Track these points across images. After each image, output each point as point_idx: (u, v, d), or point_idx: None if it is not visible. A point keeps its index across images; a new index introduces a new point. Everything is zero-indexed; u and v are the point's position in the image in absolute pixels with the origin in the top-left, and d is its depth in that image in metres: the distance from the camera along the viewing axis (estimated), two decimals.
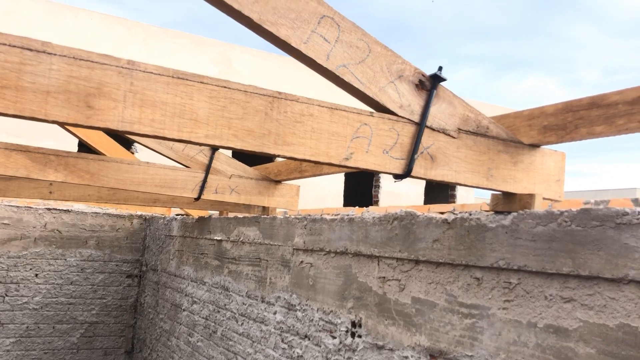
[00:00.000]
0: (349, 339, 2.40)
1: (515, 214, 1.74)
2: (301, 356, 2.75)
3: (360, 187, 13.50)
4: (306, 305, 2.76)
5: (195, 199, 3.23)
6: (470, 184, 1.73)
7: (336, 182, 11.00)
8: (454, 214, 1.99)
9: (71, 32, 8.52)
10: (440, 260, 1.99)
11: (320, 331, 2.62)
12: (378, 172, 1.54)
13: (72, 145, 8.11)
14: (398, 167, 1.62)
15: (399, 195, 12.26)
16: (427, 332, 2.01)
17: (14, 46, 1.15)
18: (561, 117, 1.70)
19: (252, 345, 3.29)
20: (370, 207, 4.53)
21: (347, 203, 12.69)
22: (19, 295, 5.20)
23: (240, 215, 4.03)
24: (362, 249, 2.40)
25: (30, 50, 1.17)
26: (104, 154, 3.63)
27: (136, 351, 5.60)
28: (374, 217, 2.36)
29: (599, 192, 25.65)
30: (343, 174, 10.82)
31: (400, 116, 1.63)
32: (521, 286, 1.69)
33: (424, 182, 11.89)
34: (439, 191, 12.71)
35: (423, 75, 1.66)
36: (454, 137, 1.71)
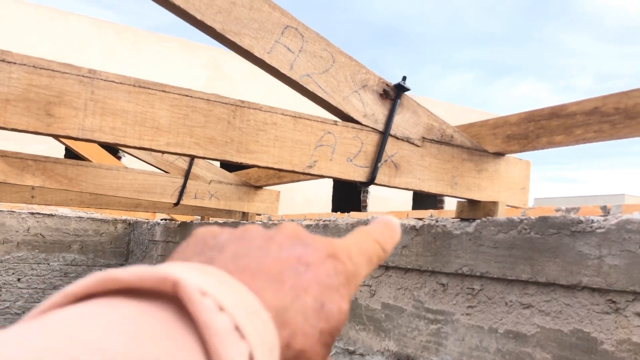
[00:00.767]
0: None
1: (478, 221, 1.78)
2: None
3: (350, 192, 13.54)
4: None
5: (174, 204, 3.25)
6: (435, 192, 1.76)
7: (325, 187, 11.03)
8: (422, 220, 2.02)
9: (61, 36, 8.52)
10: (409, 267, 2.02)
11: None
12: (342, 180, 1.57)
13: (61, 150, 8.11)
14: (362, 175, 1.65)
15: (388, 201, 12.31)
16: (395, 337, 2.04)
17: None
18: (523, 127, 1.74)
19: None
20: (352, 212, 4.56)
21: (335, 208, 12.72)
22: (0, 300, 5.18)
23: (220, 220, 4.05)
24: None
25: None
26: (89, 159, 3.64)
27: None
28: (347, 224, 2.39)
29: (588, 198, 25.83)
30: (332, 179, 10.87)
31: (364, 125, 1.66)
32: (483, 292, 1.72)
33: None
34: (426, 197, 12.78)
35: (387, 84, 1.69)
36: (418, 146, 1.74)
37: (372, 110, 1.67)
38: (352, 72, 1.63)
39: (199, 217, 4.96)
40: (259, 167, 1.53)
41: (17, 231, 5.30)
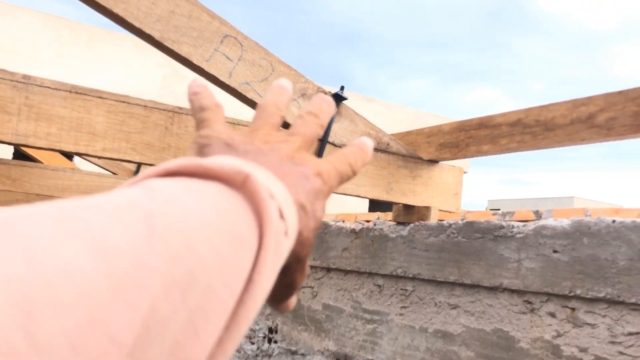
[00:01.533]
0: (266, 345, 2.47)
1: (412, 225, 1.85)
2: None
3: None
4: None
5: None
6: (371, 197, 1.83)
7: None
8: (361, 224, 2.09)
9: (11, 33, 8.29)
10: (348, 268, 2.09)
11: None
12: None
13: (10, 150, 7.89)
14: None
15: (345, 202, 12.43)
16: (334, 337, 2.10)
17: None
18: (455, 136, 1.83)
19: None
20: None
21: None
22: None
23: None
24: None
25: None
26: (39, 161, 3.58)
27: None
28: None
29: (539, 201, 26.63)
30: None
31: None
32: (415, 293, 1.80)
33: None
34: None
35: (325, 94, 1.75)
36: None
37: None
38: (291, 81, 1.68)
39: None
40: None
41: None
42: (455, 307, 1.66)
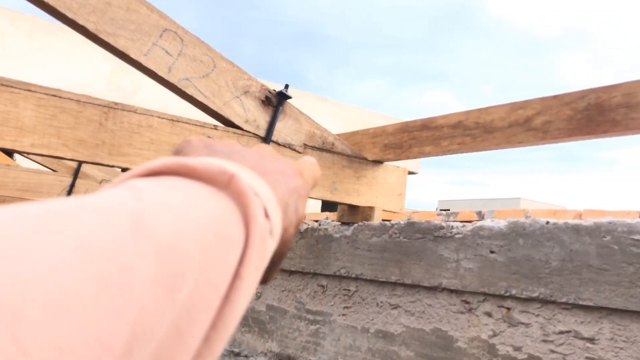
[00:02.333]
0: None
1: (356, 225, 1.85)
2: None
3: None
4: None
5: None
6: (315, 197, 1.82)
7: None
8: (306, 223, 2.08)
9: None
10: (293, 269, 2.07)
11: None
12: None
13: None
14: None
15: None
16: (278, 338, 2.08)
17: None
18: (399, 137, 1.83)
19: None
20: None
21: None
22: None
23: None
24: None
25: None
26: None
27: None
28: None
29: (487, 201, 27.33)
30: None
31: (245, 130, 1.68)
32: (358, 293, 1.80)
33: None
34: None
35: (270, 92, 1.73)
36: (300, 152, 1.79)
37: (253, 116, 1.70)
38: (233, 78, 1.65)
39: None
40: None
41: None
42: (396, 307, 1.67)
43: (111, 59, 9.01)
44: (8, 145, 1.29)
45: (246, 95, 1.68)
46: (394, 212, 2.02)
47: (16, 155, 7.75)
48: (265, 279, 0.44)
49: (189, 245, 0.27)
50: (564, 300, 1.27)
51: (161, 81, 1.53)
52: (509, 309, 1.39)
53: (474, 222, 1.52)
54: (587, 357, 1.23)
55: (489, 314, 1.43)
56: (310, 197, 1.81)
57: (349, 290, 1.83)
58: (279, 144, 1.74)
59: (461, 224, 1.55)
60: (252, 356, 2.18)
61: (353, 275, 1.81)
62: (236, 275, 0.31)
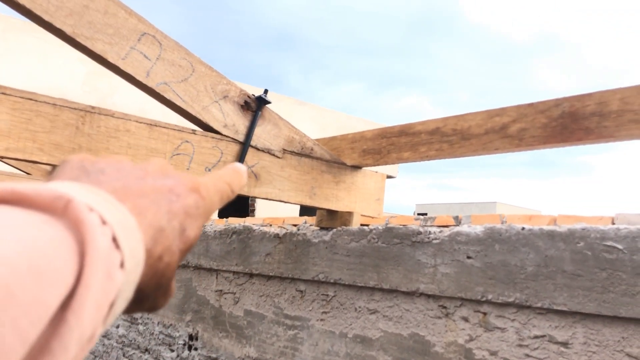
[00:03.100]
0: (186, 352, 2.41)
1: (335, 230, 1.86)
2: None
3: (237, 197, 13.44)
4: (147, 318, 2.73)
5: None
6: (294, 202, 1.82)
7: None
8: (285, 228, 2.08)
9: None
10: (271, 274, 2.06)
11: (160, 345, 2.59)
12: None
13: None
14: None
15: (277, 206, 12.38)
16: (256, 343, 2.08)
17: None
18: (377, 142, 1.85)
19: None
20: (230, 217, 4.54)
21: (222, 213, 12.57)
22: None
23: None
24: (202, 262, 2.42)
25: None
26: None
27: None
28: (215, 231, 2.39)
29: (464, 205, 27.61)
30: None
31: (224, 135, 1.68)
32: (336, 298, 1.80)
33: None
34: None
35: (249, 96, 1.73)
36: (279, 157, 1.79)
37: (232, 121, 1.69)
38: (212, 83, 1.65)
39: None
40: None
41: None
42: (374, 312, 1.68)
43: (86, 61, 8.89)
44: None
45: (225, 100, 1.67)
46: (372, 217, 2.03)
47: None
48: (150, 308, 0.40)
49: None
50: (539, 305, 1.29)
51: (139, 85, 1.52)
52: (485, 313, 1.41)
53: (451, 227, 1.54)
54: None
55: (465, 319, 1.44)
56: (289, 202, 1.81)
57: (327, 295, 1.84)
58: (257, 149, 1.74)
59: (438, 230, 1.56)
60: None
61: (331, 280, 1.81)
62: (61, 319, 0.27)
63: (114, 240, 0.31)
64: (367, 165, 1.90)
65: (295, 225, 2.19)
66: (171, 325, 2.54)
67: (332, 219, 1.96)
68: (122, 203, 0.34)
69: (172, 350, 2.49)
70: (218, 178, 0.45)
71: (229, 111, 1.68)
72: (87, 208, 0.30)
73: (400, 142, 1.77)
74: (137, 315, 2.81)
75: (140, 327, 2.76)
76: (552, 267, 1.28)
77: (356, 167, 1.97)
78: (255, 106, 1.73)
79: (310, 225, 2.05)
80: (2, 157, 1.33)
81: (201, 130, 1.65)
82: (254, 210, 12.15)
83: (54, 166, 2.96)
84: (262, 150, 1.75)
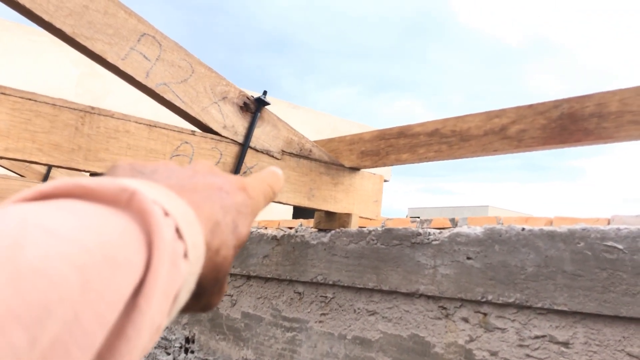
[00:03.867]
0: (182, 355, 2.39)
1: (333, 231, 1.86)
2: None
3: None
4: None
5: None
6: (292, 203, 1.82)
7: None
8: (283, 230, 2.07)
9: None
10: (269, 276, 2.06)
11: (155, 348, 2.58)
12: None
13: None
14: None
15: (272, 208, 12.36)
16: (253, 346, 2.07)
17: None
18: (375, 144, 1.85)
19: None
20: None
21: None
22: None
23: None
24: None
25: None
26: None
27: None
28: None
29: (456, 209, 27.70)
30: None
31: (223, 136, 1.67)
32: (335, 300, 1.80)
33: None
34: None
35: (248, 98, 1.73)
36: (278, 159, 1.79)
37: (232, 122, 1.69)
38: (212, 84, 1.64)
39: None
40: None
41: None
42: (373, 313, 1.68)
43: (79, 63, 8.87)
44: None
45: (224, 101, 1.67)
46: (370, 219, 2.03)
47: None
48: (204, 306, 0.40)
49: (64, 271, 0.24)
50: (539, 305, 1.29)
51: (139, 86, 1.52)
52: (485, 314, 1.41)
53: (450, 228, 1.54)
54: None
55: (465, 320, 1.45)
56: (287, 204, 1.81)
57: (326, 297, 1.84)
58: (257, 150, 1.74)
59: (438, 231, 1.57)
60: None
61: (330, 282, 1.81)
62: (134, 305, 0.28)
63: (177, 231, 0.32)
64: (365, 167, 1.91)
65: (291, 228, 2.19)
66: (167, 328, 2.53)
67: (330, 220, 1.96)
68: (180, 197, 0.35)
69: (169, 354, 2.48)
70: (261, 180, 0.46)
71: (228, 112, 1.68)
72: (152, 200, 0.31)
73: (398, 144, 1.77)
74: None
75: None
76: (552, 268, 1.28)
77: (354, 169, 1.98)
78: (254, 107, 1.73)
79: (309, 227, 2.05)
80: (1, 158, 1.32)
81: (200, 131, 1.65)
82: None
83: (51, 167, 2.93)
84: (261, 152, 1.75)
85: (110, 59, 1.44)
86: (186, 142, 1.61)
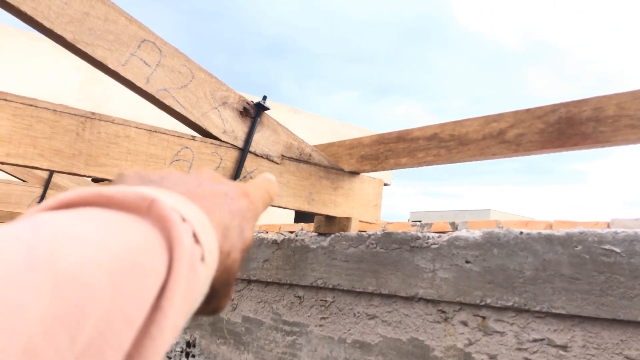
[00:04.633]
0: (183, 359, 2.40)
1: (333, 235, 1.86)
2: None
3: None
4: None
5: None
6: (292, 207, 1.83)
7: None
8: (283, 234, 2.08)
9: None
10: (269, 280, 2.07)
11: None
12: None
13: None
14: None
15: (272, 212, 12.37)
16: (254, 350, 2.07)
17: None
18: (375, 148, 1.86)
19: None
20: None
21: None
22: None
23: None
24: None
25: None
26: None
27: None
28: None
29: (458, 213, 27.68)
30: None
31: (223, 141, 1.68)
32: (335, 304, 1.81)
33: None
34: None
35: (247, 103, 1.74)
36: (278, 163, 1.80)
37: (231, 127, 1.70)
38: (212, 89, 1.66)
39: None
40: (110, 181, 1.50)
41: None
42: (373, 317, 1.68)
43: (81, 69, 8.90)
44: None
45: (224, 106, 1.68)
46: (370, 223, 2.04)
47: None
48: (213, 309, 0.42)
49: (97, 276, 0.26)
50: (537, 308, 1.30)
51: (139, 92, 1.53)
52: (484, 318, 1.42)
53: (449, 232, 1.55)
54: None
55: (464, 323, 1.45)
56: (287, 208, 1.82)
57: (325, 301, 1.84)
58: (256, 155, 1.75)
59: (437, 235, 1.57)
60: None
61: (330, 286, 1.81)
62: (157, 307, 0.29)
63: (194, 236, 0.33)
64: (365, 171, 1.92)
65: (291, 232, 2.19)
66: None
67: (330, 224, 1.97)
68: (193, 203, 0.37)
69: (170, 358, 2.49)
70: (258, 186, 0.48)
71: (228, 117, 1.69)
72: (170, 207, 0.33)
73: (398, 148, 1.78)
74: None
75: None
76: (550, 271, 1.29)
77: (354, 173, 1.99)
78: (254, 112, 1.74)
79: (308, 231, 2.06)
80: (3, 163, 1.33)
81: (200, 136, 1.66)
82: None
83: (53, 172, 2.94)
84: (261, 156, 1.76)
85: (111, 65, 1.45)
86: (186, 147, 1.62)
